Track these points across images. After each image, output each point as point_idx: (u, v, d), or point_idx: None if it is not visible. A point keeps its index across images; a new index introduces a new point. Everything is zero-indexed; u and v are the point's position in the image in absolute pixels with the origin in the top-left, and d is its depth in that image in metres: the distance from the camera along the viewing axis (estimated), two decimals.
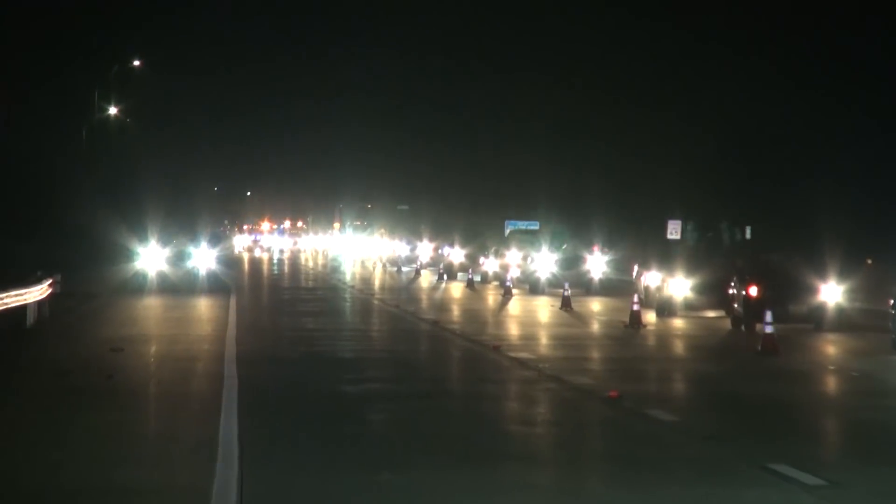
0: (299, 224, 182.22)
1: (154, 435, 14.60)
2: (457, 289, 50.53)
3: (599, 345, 27.43)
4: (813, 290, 30.11)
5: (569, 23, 70.92)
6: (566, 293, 37.80)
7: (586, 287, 47.21)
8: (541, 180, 76.35)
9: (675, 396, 19.20)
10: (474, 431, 14.90)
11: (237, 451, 13.01)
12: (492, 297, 44.90)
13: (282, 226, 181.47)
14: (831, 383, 21.12)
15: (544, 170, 75.42)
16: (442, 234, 76.18)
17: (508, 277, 46.86)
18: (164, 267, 53.04)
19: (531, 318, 34.87)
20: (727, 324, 31.68)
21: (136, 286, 46.85)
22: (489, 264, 55.33)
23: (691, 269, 35.40)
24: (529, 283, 48.49)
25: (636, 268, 41.18)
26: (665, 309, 34.98)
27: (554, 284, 45.77)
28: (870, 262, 42.15)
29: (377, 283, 56.57)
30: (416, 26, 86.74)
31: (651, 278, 37.50)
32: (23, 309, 28.03)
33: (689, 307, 35.09)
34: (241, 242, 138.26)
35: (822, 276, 30.31)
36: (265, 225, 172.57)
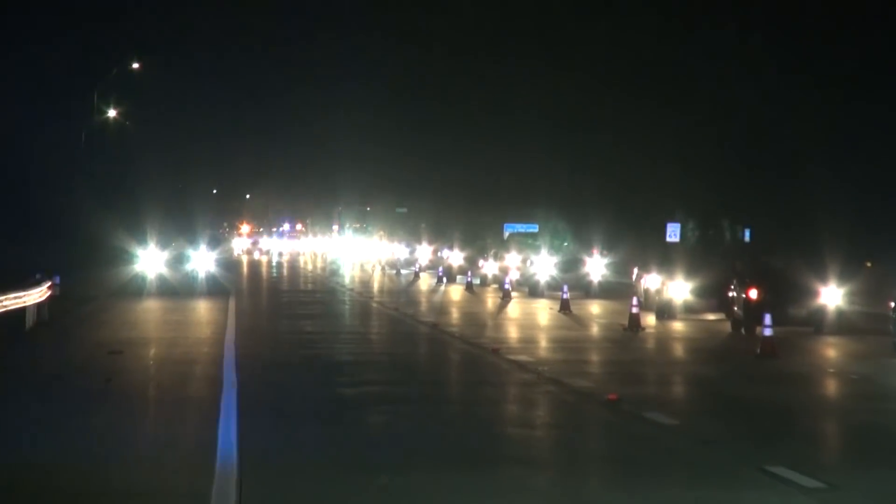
0: (298, 227, 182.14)
1: (153, 438, 14.58)
2: (456, 292, 50.52)
3: (599, 348, 27.42)
4: (813, 294, 30.12)
5: (569, 23, 70.90)
6: (565, 296, 37.79)
7: (586, 290, 47.21)
8: (540, 183, 76.39)
9: (674, 399, 19.20)
10: (473, 434, 14.89)
11: (236, 453, 13.01)
12: (491, 299, 44.90)
13: (280, 228, 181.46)
14: (830, 386, 21.12)
15: (544, 172, 75.44)
16: (441, 236, 76.19)
17: (507, 280, 46.85)
18: (163, 270, 53.06)
19: (530, 320, 34.86)
20: (727, 327, 31.68)
21: (135, 289, 46.84)
22: (488, 267, 55.32)
23: (691, 272, 35.41)
24: (529, 285, 48.47)
25: (636, 270, 41.17)
26: (665, 312, 34.98)
27: (553, 287, 45.75)
28: (869, 264, 42.17)
29: (376, 286, 56.55)
30: (416, 27, 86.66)
31: (651, 281, 37.51)
32: (22, 311, 28.02)
33: (689, 310, 35.11)
34: (239, 245, 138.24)
35: (822, 279, 30.31)
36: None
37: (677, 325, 32.97)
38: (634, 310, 30.66)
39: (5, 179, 66.21)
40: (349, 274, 72.30)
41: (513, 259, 52.77)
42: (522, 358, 23.25)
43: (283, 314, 36.70)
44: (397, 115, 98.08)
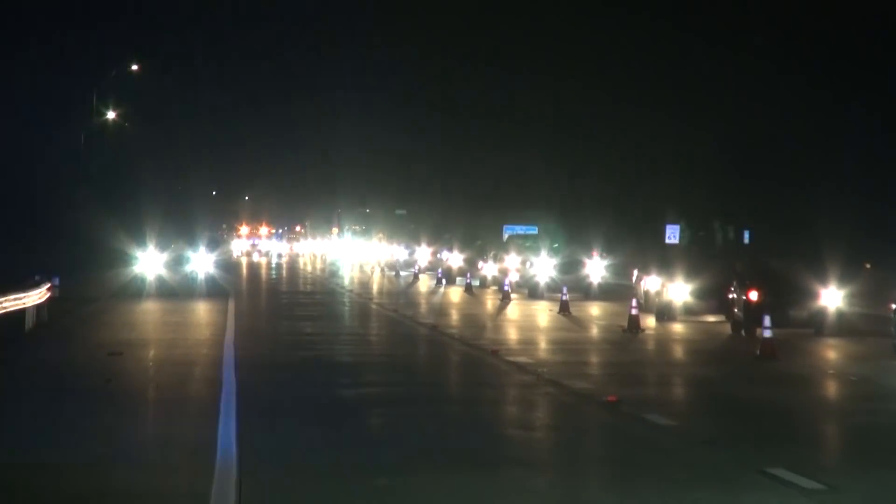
0: (297, 228, 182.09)
1: (152, 439, 14.58)
2: (455, 293, 50.51)
3: (598, 349, 27.42)
4: (813, 295, 30.12)
5: (567, 24, 70.93)
6: (565, 297, 37.78)
7: (585, 291, 47.20)
8: (540, 184, 76.37)
9: (674, 401, 19.19)
10: (473, 435, 14.89)
11: (236, 454, 13.02)
12: (490, 301, 44.89)
13: (280, 230, 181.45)
14: (830, 388, 21.12)
15: (543, 174, 75.44)
16: (440, 238, 76.16)
17: (507, 282, 46.84)
18: (163, 271, 53.06)
19: (530, 322, 34.85)
20: (727, 328, 31.68)
21: (135, 290, 46.84)
22: (488, 269, 55.31)
23: (691, 274, 35.40)
24: (528, 287, 48.45)
25: (636, 272, 41.15)
26: (665, 313, 34.98)
27: (553, 289, 45.74)
28: (868, 266, 42.14)
29: (375, 288, 56.55)
30: (415, 28, 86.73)
31: (651, 283, 37.50)
32: (21, 313, 28.04)
33: (689, 312, 35.11)
34: (239, 247, 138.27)
35: (823, 280, 30.32)
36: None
37: (677, 327, 32.96)
38: (634, 311, 30.66)
39: (5, 180, 66.21)
40: (348, 275, 72.29)
41: (512, 261, 52.76)
42: (522, 359, 23.24)
43: (283, 315, 36.69)
44: (397, 117, 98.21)
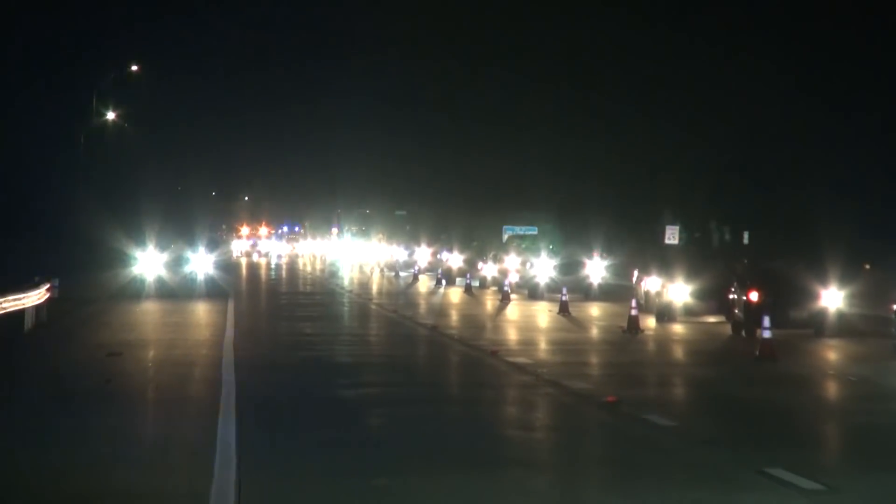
0: (297, 229, 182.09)
1: (152, 439, 14.58)
2: (455, 294, 50.50)
3: (597, 350, 27.41)
4: (814, 296, 30.12)
5: (567, 26, 70.94)
6: (564, 298, 37.77)
7: (585, 292, 47.18)
8: (539, 185, 76.32)
9: (673, 401, 19.19)
10: (472, 436, 14.89)
11: (235, 455, 13.01)
12: (490, 302, 44.88)
13: (279, 230, 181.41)
14: (830, 388, 21.11)
15: (543, 174, 75.41)
16: (440, 238, 76.16)
17: (507, 282, 46.84)
18: (162, 272, 53.08)
19: (529, 323, 34.85)
20: (727, 329, 31.67)
21: (134, 291, 46.84)
22: (488, 269, 55.30)
23: (691, 275, 35.40)
24: (528, 288, 48.45)
25: (636, 273, 41.14)
26: (665, 314, 34.98)
27: (553, 289, 45.73)
28: (868, 266, 42.15)
29: (375, 288, 56.55)
30: (415, 29, 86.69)
31: (651, 283, 37.50)
32: (21, 313, 28.04)
33: (690, 312, 35.10)
34: (238, 247, 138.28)
35: (823, 281, 30.32)
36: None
37: (677, 328, 32.96)
38: (633, 312, 30.66)
39: (4, 181, 66.22)
40: (348, 276, 72.29)
41: (512, 261, 52.74)
42: (521, 360, 23.24)
43: (282, 316, 36.69)
44: (397, 118, 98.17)
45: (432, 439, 14.61)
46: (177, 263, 56.14)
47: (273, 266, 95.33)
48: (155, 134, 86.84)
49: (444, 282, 58.69)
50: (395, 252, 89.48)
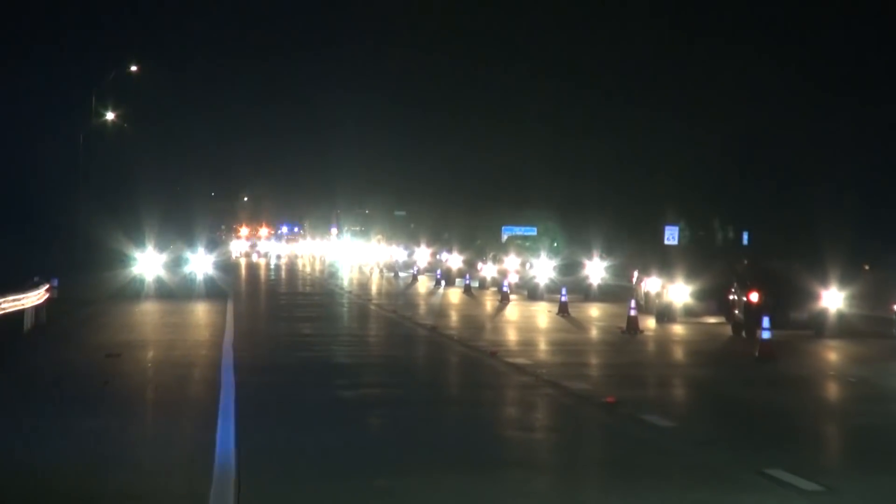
0: (296, 229, 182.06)
1: (151, 441, 14.56)
2: (454, 294, 50.48)
3: (597, 351, 27.39)
4: (814, 297, 30.11)
5: (567, 25, 70.95)
6: (564, 299, 37.75)
7: (585, 293, 47.16)
8: (539, 186, 76.34)
9: (672, 402, 19.18)
10: (472, 437, 14.88)
11: (234, 456, 13.00)
12: (489, 302, 44.87)
13: (279, 231, 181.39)
14: (829, 389, 21.10)
15: (542, 175, 75.41)
16: (439, 239, 76.14)
17: (506, 283, 46.82)
18: (162, 272, 53.05)
19: (529, 323, 34.84)
20: (727, 330, 31.66)
21: (133, 292, 46.82)
22: (487, 270, 55.29)
23: (691, 275, 35.39)
24: (528, 288, 48.44)
25: (636, 274, 41.14)
26: (665, 315, 34.97)
27: (552, 290, 45.71)
28: (867, 267, 42.17)
29: (374, 289, 56.54)
30: (415, 29, 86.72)
31: (651, 284, 37.49)
32: (20, 314, 28.02)
33: (690, 313, 35.08)
34: (237, 247, 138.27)
35: (823, 282, 30.31)
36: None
37: (676, 328, 32.94)
38: (633, 313, 30.64)
39: (4, 181, 66.20)
40: (347, 277, 72.28)
41: (511, 262, 52.72)
42: (521, 361, 23.22)
43: (281, 317, 36.67)
44: (396, 117, 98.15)
45: (432, 440, 14.59)
46: (176, 264, 56.10)
47: (272, 266, 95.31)
48: (154, 134, 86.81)
49: (443, 282, 58.68)
50: (394, 252, 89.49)
